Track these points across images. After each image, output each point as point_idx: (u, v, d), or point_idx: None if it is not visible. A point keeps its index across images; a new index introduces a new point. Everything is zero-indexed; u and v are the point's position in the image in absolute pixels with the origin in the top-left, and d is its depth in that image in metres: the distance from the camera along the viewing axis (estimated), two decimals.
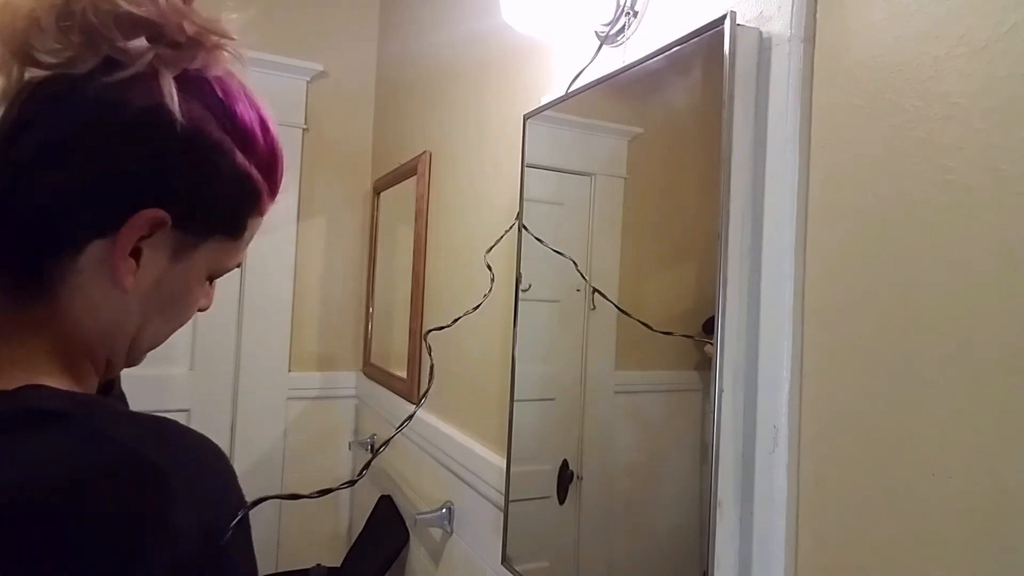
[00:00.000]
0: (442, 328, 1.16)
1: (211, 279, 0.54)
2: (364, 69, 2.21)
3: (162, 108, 0.43)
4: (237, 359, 2.02)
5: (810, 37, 0.62)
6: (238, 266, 0.55)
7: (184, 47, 0.45)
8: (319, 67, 2.09)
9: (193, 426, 0.44)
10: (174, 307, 0.51)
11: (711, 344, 0.65)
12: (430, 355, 1.10)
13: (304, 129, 2.08)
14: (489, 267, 1.14)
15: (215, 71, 0.47)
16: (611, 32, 0.88)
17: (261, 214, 0.53)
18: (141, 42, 0.44)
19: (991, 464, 0.47)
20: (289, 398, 2.08)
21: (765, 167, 0.64)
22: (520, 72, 1.20)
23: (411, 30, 1.91)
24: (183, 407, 1.94)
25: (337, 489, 0.74)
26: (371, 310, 2.14)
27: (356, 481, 0.81)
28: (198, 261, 0.50)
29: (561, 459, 0.94)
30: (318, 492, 0.70)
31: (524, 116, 1.04)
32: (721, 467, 0.64)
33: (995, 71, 0.48)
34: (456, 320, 1.17)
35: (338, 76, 2.15)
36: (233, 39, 0.47)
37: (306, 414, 2.12)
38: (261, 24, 2.04)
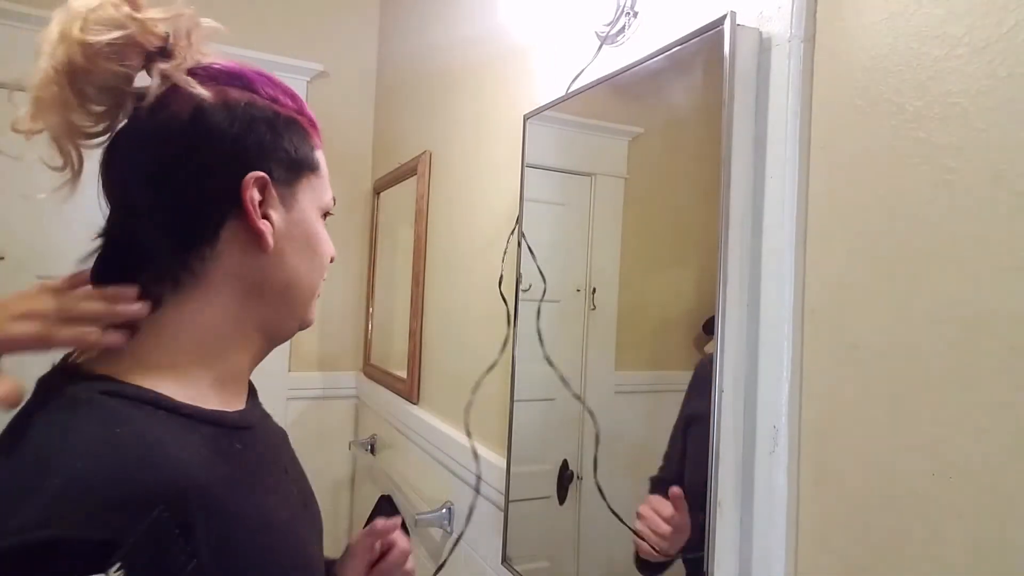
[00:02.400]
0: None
1: (325, 216, 0.63)
2: (364, 69, 2.21)
3: (203, 100, 0.51)
4: None
5: (810, 37, 0.62)
6: (335, 202, 0.66)
7: (172, 52, 0.51)
8: (319, 67, 2.09)
9: None
10: (308, 247, 0.59)
11: (711, 344, 0.65)
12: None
13: None
14: (504, 299, 1.13)
15: (205, 57, 0.54)
16: (611, 32, 0.88)
17: (320, 147, 0.62)
18: (141, 66, 0.51)
19: (991, 464, 0.47)
20: (289, 398, 2.08)
21: (765, 167, 0.64)
22: (520, 72, 1.20)
23: (411, 30, 1.91)
24: None
25: None
26: (371, 310, 2.14)
27: None
28: (303, 202, 0.58)
29: (561, 459, 0.95)
30: None
31: (524, 116, 1.04)
32: (721, 467, 0.64)
33: (995, 71, 0.48)
34: (478, 384, 1.23)
35: (338, 76, 2.15)
36: (196, 19, 0.53)
37: (306, 414, 2.12)
38: (261, 24, 2.05)
